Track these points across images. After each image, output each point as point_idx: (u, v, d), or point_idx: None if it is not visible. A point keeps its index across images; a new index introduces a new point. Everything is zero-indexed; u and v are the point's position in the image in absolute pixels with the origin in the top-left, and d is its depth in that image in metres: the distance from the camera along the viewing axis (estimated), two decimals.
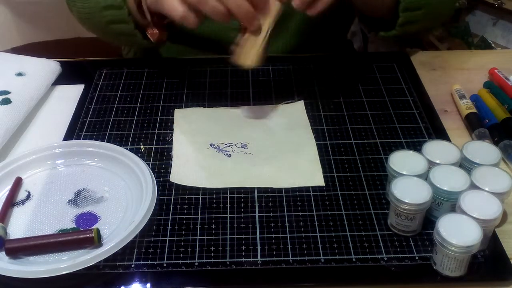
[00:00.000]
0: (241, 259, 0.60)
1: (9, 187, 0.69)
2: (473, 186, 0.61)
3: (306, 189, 0.69)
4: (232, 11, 0.68)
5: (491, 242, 0.61)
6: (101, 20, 0.85)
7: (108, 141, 0.76)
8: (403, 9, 0.83)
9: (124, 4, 0.80)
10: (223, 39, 0.97)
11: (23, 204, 0.68)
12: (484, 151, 0.66)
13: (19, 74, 0.86)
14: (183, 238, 0.63)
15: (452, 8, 0.97)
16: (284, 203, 0.67)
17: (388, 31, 0.88)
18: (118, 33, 0.85)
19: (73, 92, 0.87)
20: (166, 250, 0.61)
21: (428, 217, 0.63)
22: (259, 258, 0.60)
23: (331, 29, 1.08)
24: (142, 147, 0.75)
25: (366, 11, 0.94)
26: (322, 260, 0.60)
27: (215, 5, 0.68)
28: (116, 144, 0.73)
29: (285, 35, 1.01)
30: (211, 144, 0.76)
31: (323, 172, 0.71)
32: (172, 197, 0.68)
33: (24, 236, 0.63)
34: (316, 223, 0.64)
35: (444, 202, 0.62)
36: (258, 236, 0.63)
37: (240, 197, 0.68)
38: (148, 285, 0.58)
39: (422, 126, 0.78)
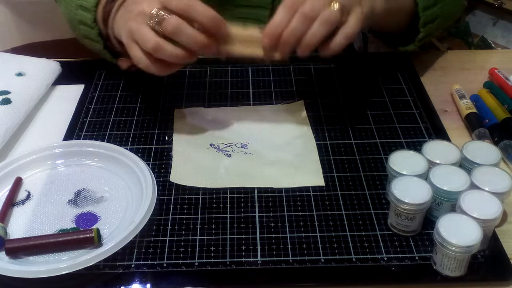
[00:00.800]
0: (241, 259, 0.60)
1: (9, 187, 0.69)
2: (473, 186, 0.61)
3: (306, 189, 0.69)
4: (189, 47, 0.65)
5: (491, 242, 0.61)
6: (78, 32, 0.84)
7: (108, 141, 0.75)
8: (423, 23, 0.83)
9: (95, 24, 0.78)
10: None
11: (23, 204, 0.68)
12: (484, 151, 0.66)
13: (19, 74, 0.86)
14: (183, 238, 0.63)
15: (459, 12, 0.96)
16: (284, 203, 0.67)
17: (406, 45, 0.87)
18: (92, 48, 0.84)
19: (73, 92, 0.87)
20: (166, 250, 0.61)
21: (428, 217, 0.63)
22: (259, 258, 0.60)
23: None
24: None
25: (382, 29, 0.93)
26: (322, 260, 0.60)
27: (171, 51, 0.65)
28: (116, 144, 0.73)
29: None
30: (211, 144, 0.76)
31: (323, 172, 0.71)
32: (172, 197, 0.68)
33: (24, 236, 0.63)
34: (316, 223, 0.64)
35: (444, 202, 0.62)
36: (258, 236, 0.63)
37: (240, 197, 0.68)
38: (148, 285, 0.58)
39: (422, 126, 0.78)
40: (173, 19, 0.64)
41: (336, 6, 0.65)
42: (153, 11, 0.65)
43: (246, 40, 0.69)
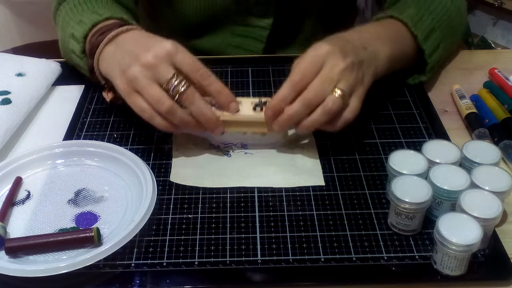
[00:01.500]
0: (241, 259, 0.60)
1: (9, 186, 0.69)
2: (473, 185, 0.61)
3: (306, 188, 0.69)
4: (197, 119, 0.67)
5: (491, 241, 0.61)
6: (70, 59, 0.85)
7: (108, 141, 0.75)
8: (430, 69, 0.83)
9: (84, 55, 0.78)
10: (222, 54, 0.98)
11: (23, 203, 0.68)
12: (484, 150, 0.66)
13: (19, 75, 0.86)
14: (183, 237, 0.63)
15: (460, 37, 0.95)
16: (284, 203, 0.67)
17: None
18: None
19: (73, 93, 0.87)
20: (166, 249, 0.61)
21: (428, 216, 0.63)
22: (259, 257, 0.60)
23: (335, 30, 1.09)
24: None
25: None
26: (322, 260, 0.60)
27: (183, 117, 0.67)
28: (116, 144, 0.73)
29: (296, 42, 1.01)
30: (211, 144, 0.76)
31: (323, 172, 0.71)
32: (172, 196, 0.68)
33: (24, 236, 0.63)
34: (316, 223, 0.64)
35: (444, 201, 0.62)
36: (258, 235, 0.63)
37: (240, 197, 0.68)
38: (148, 284, 0.58)
39: (422, 126, 0.78)
40: (190, 91, 0.66)
41: (338, 92, 0.66)
42: (162, 69, 0.65)
43: (244, 121, 0.71)
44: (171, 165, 0.72)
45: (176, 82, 0.65)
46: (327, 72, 0.67)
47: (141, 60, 0.66)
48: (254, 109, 0.70)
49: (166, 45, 0.66)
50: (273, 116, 0.68)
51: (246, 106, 0.70)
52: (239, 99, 0.71)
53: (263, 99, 0.71)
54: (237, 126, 0.71)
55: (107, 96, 0.75)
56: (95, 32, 0.75)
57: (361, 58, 0.70)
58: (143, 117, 0.67)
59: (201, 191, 0.69)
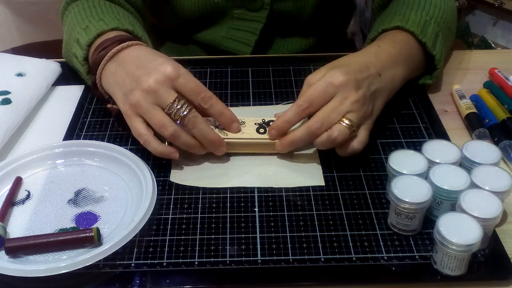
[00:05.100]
0: (241, 258, 0.60)
1: (9, 186, 0.69)
2: (473, 185, 0.61)
3: (306, 188, 0.69)
4: (200, 142, 0.69)
5: (492, 241, 0.61)
6: (70, 63, 0.85)
7: (108, 141, 0.75)
8: (438, 73, 0.83)
9: (85, 63, 0.78)
10: (220, 47, 0.99)
11: (23, 203, 0.68)
12: (484, 150, 0.66)
13: (19, 75, 0.86)
14: (183, 237, 0.63)
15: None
16: (284, 203, 0.67)
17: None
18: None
19: (73, 93, 0.87)
20: (166, 249, 0.61)
21: (428, 216, 0.63)
22: (259, 257, 0.60)
23: (333, 27, 1.09)
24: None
25: None
26: (322, 259, 0.60)
27: (186, 140, 0.68)
28: (116, 144, 0.73)
29: (295, 38, 1.01)
30: None
31: (323, 172, 0.71)
32: (172, 196, 0.68)
33: (24, 236, 0.63)
34: (316, 223, 0.64)
35: (444, 201, 0.62)
36: (258, 235, 0.63)
37: (240, 197, 0.68)
38: (148, 284, 0.58)
39: (422, 126, 0.78)
40: (192, 114, 0.67)
41: (346, 122, 0.67)
42: (163, 94, 0.66)
43: (247, 144, 0.72)
44: (171, 165, 0.72)
45: (178, 106, 0.66)
46: (337, 104, 0.67)
47: (142, 85, 0.67)
48: (258, 130, 0.71)
49: (167, 69, 0.67)
50: (277, 136, 0.70)
51: (250, 127, 0.72)
52: (242, 119, 0.72)
53: (267, 119, 0.72)
54: (241, 147, 0.72)
55: (113, 108, 0.75)
56: (98, 46, 0.75)
57: (373, 89, 0.71)
58: (141, 142, 0.69)
59: (201, 191, 0.69)
